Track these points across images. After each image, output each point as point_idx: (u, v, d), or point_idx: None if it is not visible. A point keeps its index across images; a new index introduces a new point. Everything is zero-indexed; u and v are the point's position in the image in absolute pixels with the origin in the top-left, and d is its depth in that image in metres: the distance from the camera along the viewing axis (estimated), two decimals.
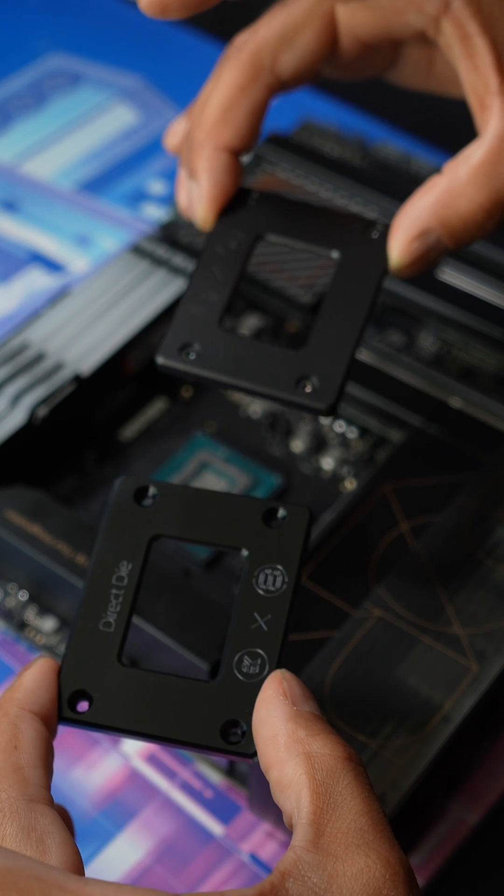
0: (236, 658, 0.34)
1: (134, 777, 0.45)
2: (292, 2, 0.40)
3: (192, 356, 0.39)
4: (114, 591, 0.35)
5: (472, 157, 0.38)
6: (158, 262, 0.54)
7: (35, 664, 0.33)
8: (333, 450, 0.52)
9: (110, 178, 0.69)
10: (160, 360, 0.39)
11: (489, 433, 0.48)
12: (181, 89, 0.72)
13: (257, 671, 0.34)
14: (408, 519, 0.45)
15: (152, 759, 0.46)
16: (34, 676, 0.33)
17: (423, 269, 0.40)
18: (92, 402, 0.52)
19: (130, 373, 0.53)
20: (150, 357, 0.53)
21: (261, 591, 0.35)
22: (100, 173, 0.69)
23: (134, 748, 0.46)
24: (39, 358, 0.50)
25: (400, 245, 0.39)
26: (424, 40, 0.40)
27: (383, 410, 0.50)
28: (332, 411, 0.38)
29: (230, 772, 0.44)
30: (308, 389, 0.38)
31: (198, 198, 0.41)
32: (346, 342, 0.39)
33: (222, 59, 0.41)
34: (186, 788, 0.45)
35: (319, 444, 0.52)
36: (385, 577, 0.43)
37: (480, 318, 0.53)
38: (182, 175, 0.43)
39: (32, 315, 0.53)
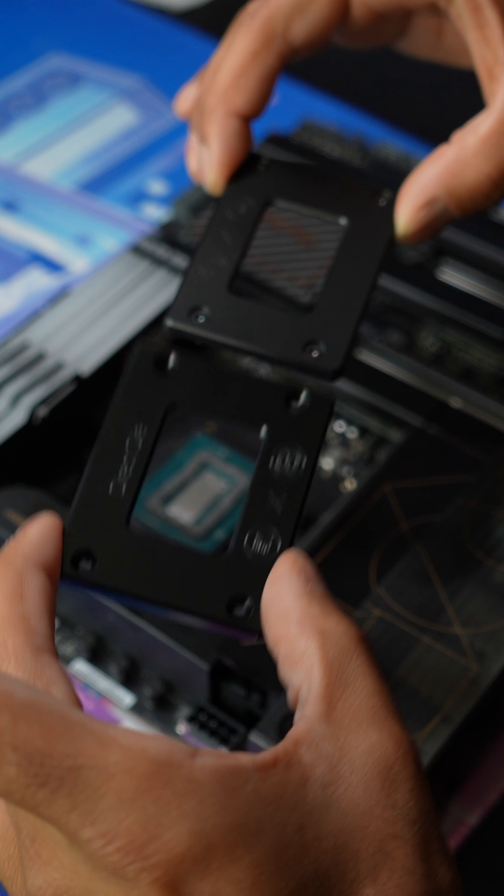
0: (247, 535, 0.33)
1: None
2: None
3: (202, 319, 0.39)
4: (126, 454, 0.34)
5: (480, 127, 0.38)
6: (158, 262, 0.54)
7: (40, 519, 0.33)
8: (333, 450, 0.52)
9: (110, 178, 0.69)
10: (169, 322, 0.39)
11: (489, 433, 0.48)
12: (181, 89, 0.72)
13: (269, 549, 0.33)
14: (408, 519, 0.45)
15: None
16: (39, 530, 0.32)
17: (428, 237, 0.41)
18: (92, 402, 0.52)
19: None
20: None
21: (276, 471, 0.34)
22: (100, 173, 0.69)
23: None
24: (39, 358, 0.50)
25: (407, 213, 0.40)
26: (435, 10, 0.40)
27: (383, 410, 0.50)
28: (338, 375, 0.38)
29: None
30: (315, 354, 0.39)
31: (208, 162, 0.41)
32: (353, 308, 0.39)
33: (235, 26, 0.41)
34: None
35: None
36: (385, 577, 0.43)
37: (480, 318, 0.53)
38: (193, 140, 0.43)
39: (32, 315, 0.53)
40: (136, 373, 0.36)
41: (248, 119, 0.41)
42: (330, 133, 0.65)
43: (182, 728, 0.44)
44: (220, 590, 0.33)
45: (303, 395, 0.36)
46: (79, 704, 0.29)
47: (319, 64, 0.43)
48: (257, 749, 0.39)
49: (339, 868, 0.27)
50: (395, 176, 0.63)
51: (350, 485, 0.51)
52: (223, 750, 0.42)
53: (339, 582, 0.43)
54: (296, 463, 0.35)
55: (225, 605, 0.32)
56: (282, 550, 0.33)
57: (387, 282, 0.54)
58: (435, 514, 0.45)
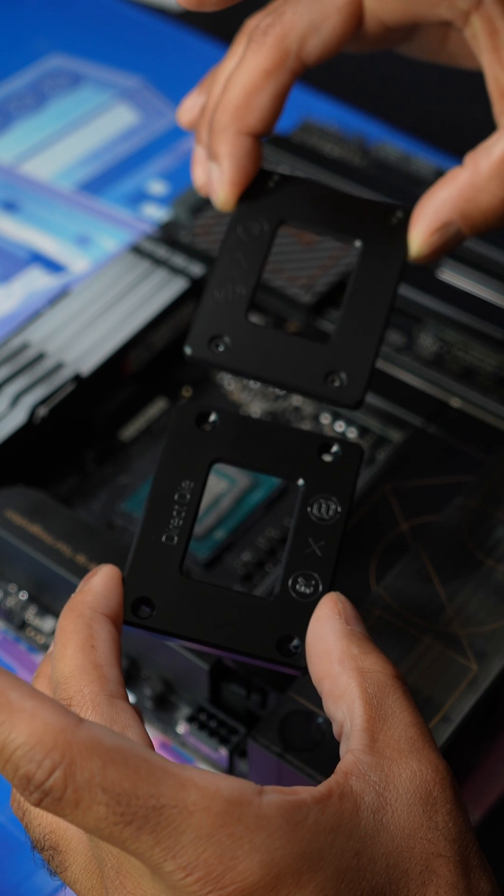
0: (291, 579, 0.36)
1: None
2: None
3: (221, 348, 0.39)
4: (176, 507, 0.37)
5: (493, 150, 0.39)
6: (158, 262, 0.55)
7: (101, 571, 0.35)
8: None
9: (110, 178, 0.69)
10: (189, 351, 0.39)
11: (489, 433, 0.48)
12: (181, 89, 0.72)
13: (311, 591, 0.36)
14: (408, 519, 0.45)
15: None
16: (103, 581, 0.35)
17: (440, 257, 0.41)
18: (92, 402, 0.52)
19: (130, 373, 0.53)
20: (150, 357, 0.53)
21: (314, 519, 0.37)
22: (100, 173, 0.69)
23: None
24: (39, 358, 0.50)
25: (421, 236, 0.40)
26: (446, 24, 0.40)
27: (383, 410, 0.50)
28: (359, 405, 0.39)
29: (230, 772, 0.44)
30: (336, 384, 0.39)
31: (219, 180, 0.41)
32: (371, 335, 0.40)
33: (243, 41, 0.40)
34: None
35: None
36: (385, 577, 0.43)
37: (480, 318, 0.53)
38: (199, 153, 0.43)
39: (32, 315, 0.53)
40: (178, 430, 0.38)
41: (259, 137, 0.41)
42: (330, 133, 0.65)
43: (182, 728, 0.44)
44: (269, 631, 0.35)
45: (335, 447, 0.38)
46: (150, 745, 0.31)
47: (319, 64, 0.43)
48: (257, 751, 0.39)
49: (392, 887, 0.29)
50: (394, 176, 0.63)
51: None
52: (223, 752, 0.42)
53: (339, 582, 0.43)
54: (331, 510, 0.37)
55: (274, 645, 0.35)
56: (323, 592, 0.36)
57: None
58: (435, 514, 0.45)
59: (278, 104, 0.40)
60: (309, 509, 0.37)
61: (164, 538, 0.36)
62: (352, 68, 0.50)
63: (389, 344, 0.53)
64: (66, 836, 0.33)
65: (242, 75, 0.40)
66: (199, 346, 0.39)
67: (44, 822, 0.33)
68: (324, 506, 0.37)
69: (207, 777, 0.29)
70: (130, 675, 0.46)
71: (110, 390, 0.53)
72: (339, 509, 0.37)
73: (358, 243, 0.41)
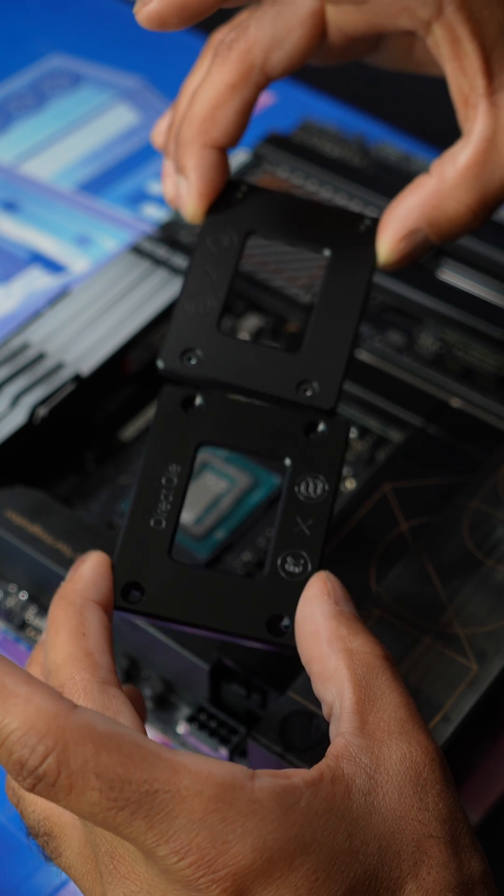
0: (280, 558, 0.36)
1: None
2: (281, 1, 0.40)
3: (193, 361, 0.40)
4: (163, 491, 0.37)
5: (458, 157, 0.39)
6: (158, 262, 0.55)
7: (90, 558, 0.36)
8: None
9: (110, 178, 0.69)
10: (161, 365, 0.40)
11: (489, 433, 0.48)
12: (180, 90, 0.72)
13: (300, 571, 0.36)
14: (408, 519, 0.45)
15: None
16: (92, 569, 0.35)
17: (408, 264, 0.41)
18: (92, 402, 0.52)
19: (130, 373, 0.53)
20: (150, 357, 0.53)
21: (302, 498, 0.37)
22: (100, 173, 0.69)
23: None
24: (39, 358, 0.50)
25: (388, 243, 0.41)
26: (410, 33, 0.41)
27: (383, 410, 0.50)
28: (333, 413, 0.39)
29: None
30: (308, 393, 0.39)
31: (187, 194, 0.41)
32: (342, 343, 0.40)
33: (209, 55, 0.41)
34: None
35: None
36: (385, 577, 0.43)
37: (480, 318, 0.53)
38: (168, 167, 0.43)
39: (32, 315, 0.53)
40: (165, 414, 0.39)
41: (225, 149, 0.41)
42: (330, 133, 0.65)
43: (182, 728, 0.44)
44: (259, 611, 0.36)
45: (321, 425, 0.38)
46: (143, 731, 0.32)
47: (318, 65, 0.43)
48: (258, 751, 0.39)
49: (384, 868, 0.30)
50: (394, 176, 0.63)
51: (350, 485, 0.51)
52: (223, 752, 0.42)
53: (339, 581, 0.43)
54: (318, 489, 0.37)
55: (264, 625, 0.35)
56: (312, 571, 0.36)
57: (387, 282, 0.55)
58: (435, 514, 0.45)
59: (243, 117, 0.40)
60: (296, 489, 0.37)
61: (152, 523, 0.37)
62: (352, 68, 0.50)
63: (389, 344, 0.53)
64: (61, 822, 0.33)
65: (207, 89, 0.40)
66: (172, 360, 0.40)
67: (38, 808, 0.33)
68: (311, 484, 0.37)
69: (200, 762, 0.29)
70: (130, 675, 0.46)
71: (110, 390, 0.53)
72: (326, 487, 0.37)
73: (327, 252, 0.41)
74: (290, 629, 0.35)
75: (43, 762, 0.28)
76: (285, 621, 0.35)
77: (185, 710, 0.45)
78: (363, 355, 0.52)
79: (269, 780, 0.30)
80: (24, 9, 0.79)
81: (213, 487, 0.50)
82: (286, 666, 0.40)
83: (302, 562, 0.36)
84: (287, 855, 0.29)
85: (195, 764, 0.29)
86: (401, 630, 0.41)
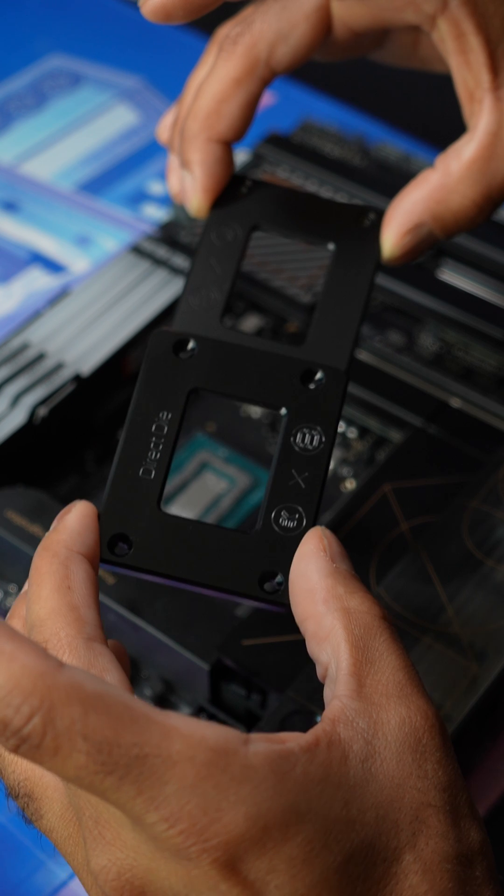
0: (274, 512, 0.35)
1: None
2: None
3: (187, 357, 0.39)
4: (153, 439, 0.36)
5: (463, 152, 0.39)
6: (158, 262, 0.55)
7: (76, 508, 0.34)
8: (333, 450, 0.52)
9: (110, 178, 0.69)
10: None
11: (489, 433, 0.48)
12: (181, 89, 0.72)
13: (295, 525, 0.35)
14: (408, 519, 0.45)
15: None
16: (77, 519, 0.34)
17: (413, 259, 0.41)
18: (92, 402, 0.52)
19: (130, 373, 0.53)
20: None
21: (298, 449, 0.36)
22: (100, 173, 0.69)
23: None
24: (39, 358, 0.50)
25: (393, 237, 0.40)
26: (415, 28, 0.41)
27: (383, 410, 0.50)
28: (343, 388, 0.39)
29: None
30: (313, 388, 0.39)
31: (191, 188, 0.41)
32: (346, 336, 0.40)
33: (214, 50, 0.41)
34: None
35: None
36: (385, 577, 0.43)
37: (480, 318, 0.53)
38: (173, 161, 0.43)
39: (32, 315, 0.53)
40: (155, 359, 0.37)
41: (230, 143, 0.41)
42: (330, 133, 0.65)
43: None
44: (251, 567, 0.34)
45: (318, 373, 0.37)
46: (130, 690, 0.31)
47: (319, 64, 0.43)
48: None
49: (381, 838, 0.29)
50: (394, 176, 0.63)
51: (350, 485, 0.51)
52: None
53: None
54: (315, 440, 0.36)
55: (257, 582, 0.34)
56: (307, 526, 0.35)
57: (387, 282, 0.55)
58: (435, 514, 0.45)
59: (248, 112, 0.40)
60: (292, 439, 0.36)
61: (140, 472, 0.35)
62: (352, 68, 0.50)
63: (390, 344, 0.53)
64: (42, 783, 0.32)
65: (212, 84, 0.40)
66: (166, 346, 0.39)
67: (18, 768, 0.32)
68: (307, 435, 0.36)
69: (192, 725, 0.28)
70: (130, 674, 0.46)
71: (110, 390, 0.53)
72: (323, 439, 0.36)
73: (331, 246, 0.41)
74: (284, 586, 0.34)
75: (28, 723, 0.26)
76: (279, 578, 0.34)
77: (185, 711, 0.45)
78: (363, 355, 0.52)
79: (263, 745, 0.28)
80: (24, 9, 0.79)
81: (213, 487, 0.50)
82: (286, 666, 0.40)
83: (297, 516, 0.35)
84: (281, 824, 0.27)
85: (187, 727, 0.28)
86: (401, 630, 0.41)
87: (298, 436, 0.36)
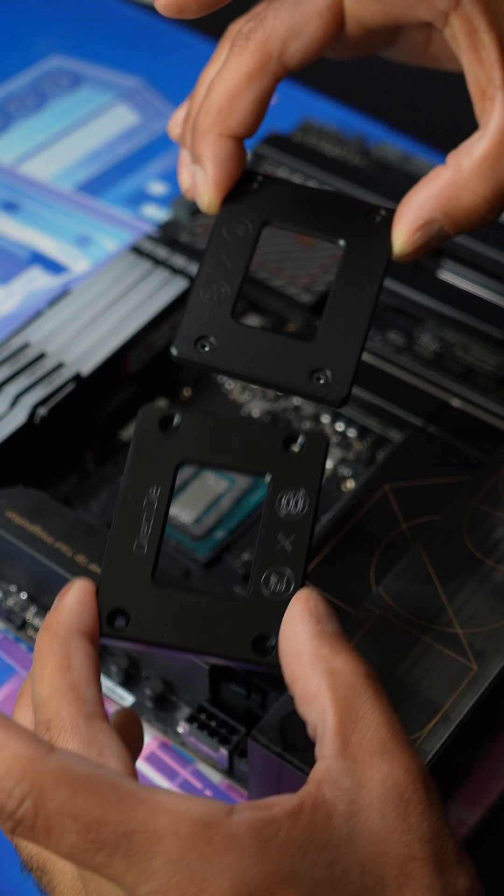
0: (263, 576, 0.36)
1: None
2: None
3: (207, 348, 0.40)
4: (145, 514, 0.37)
5: (475, 149, 0.39)
6: (158, 262, 0.55)
7: (74, 587, 0.35)
8: (333, 450, 0.52)
9: (110, 178, 0.69)
10: (175, 351, 0.40)
11: (489, 433, 0.48)
12: (181, 89, 0.72)
13: (284, 588, 0.36)
14: (408, 519, 0.45)
15: (152, 759, 0.46)
16: (76, 598, 0.35)
17: (424, 256, 0.41)
18: (92, 402, 0.52)
19: (130, 373, 0.53)
20: (150, 357, 0.53)
21: (283, 515, 0.37)
22: (100, 174, 0.69)
23: None
24: (39, 358, 0.51)
25: (404, 234, 0.40)
26: (427, 26, 0.41)
27: (383, 410, 0.50)
28: (345, 402, 0.39)
29: (230, 772, 0.44)
30: (321, 381, 0.39)
31: (203, 183, 0.41)
32: (356, 333, 0.40)
33: (226, 45, 0.41)
34: (187, 788, 0.45)
35: None
36: (385, 577, 0.43)
37: (480, 318, 0.53)
38: (184, 157, 0.43)
39: (32, 315, 0.53)
40: (143, 435, 0.38)
41: (241, 139, 0.41)
42: (330, 133, 0.65)
43: (182, 728, 0.44)
44: (244, 631, 0.36)
45: (300, 439, 0.38)
46: (132, 763, 0.32)
47: (319, 64, 0.43)
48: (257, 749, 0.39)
49: (367, 895, 0.29)
50: (394, 176, 0.63)
51: (350, 485, 0.51)
52: (223, 752, 0.42)
53: (339, 582, 0.43)
54: (300, 504, 0.37)
55: (249, 646, 0.35)
56: (296, 588, 0.36)
57: (387, 282, 0.54)
58: (435, 514, 0.45)
59: (260, 107, 0.40)
60: (277, 505, 0.37)
61: (134, 547, 0.37)
62: (352, 68, 0.50)
63: (389, 344, 0.53)
64: (52, 857, 0.33)
65: (225, 79, 0.40)
66: (185, 347, 0.39)
67: (30, 844, 0.34)
68: (292, 500, 0.37)
69: (177, 800, 0.29)
70: (130, 674, 0.46)
71: (110, 390, 0.53)
72: (307, 502, 0.37)
73: (342, 242, 0.41)
74: (276, 648, 0.35)
75: (20, 806, 0.28)
76: (271, 640, 0.35)
77: (185, 710, 0.45)
78: (363, 355, 0.52)
79: (247, 813, 0.29)
80: (24, 9, 0.79)
81: (214, 487, 0.50)
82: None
83: (285, 579, 0.36)
84: (267, 889, 0.28)
85: (172, 802, 0.29)
86: (401, 630, 0.41)
87: (283, 500, 0.37)
